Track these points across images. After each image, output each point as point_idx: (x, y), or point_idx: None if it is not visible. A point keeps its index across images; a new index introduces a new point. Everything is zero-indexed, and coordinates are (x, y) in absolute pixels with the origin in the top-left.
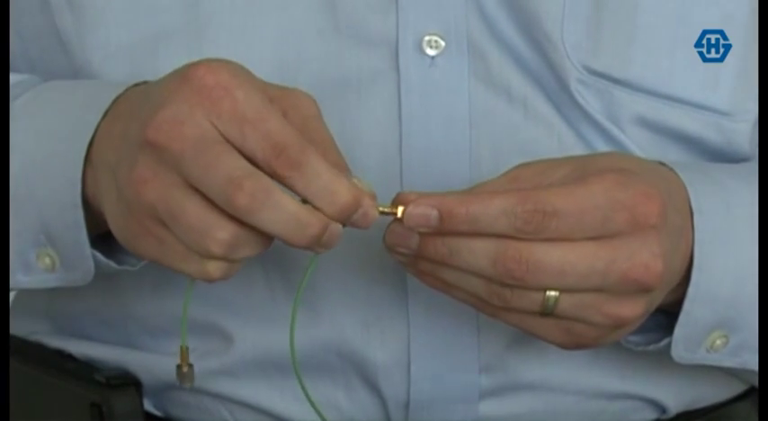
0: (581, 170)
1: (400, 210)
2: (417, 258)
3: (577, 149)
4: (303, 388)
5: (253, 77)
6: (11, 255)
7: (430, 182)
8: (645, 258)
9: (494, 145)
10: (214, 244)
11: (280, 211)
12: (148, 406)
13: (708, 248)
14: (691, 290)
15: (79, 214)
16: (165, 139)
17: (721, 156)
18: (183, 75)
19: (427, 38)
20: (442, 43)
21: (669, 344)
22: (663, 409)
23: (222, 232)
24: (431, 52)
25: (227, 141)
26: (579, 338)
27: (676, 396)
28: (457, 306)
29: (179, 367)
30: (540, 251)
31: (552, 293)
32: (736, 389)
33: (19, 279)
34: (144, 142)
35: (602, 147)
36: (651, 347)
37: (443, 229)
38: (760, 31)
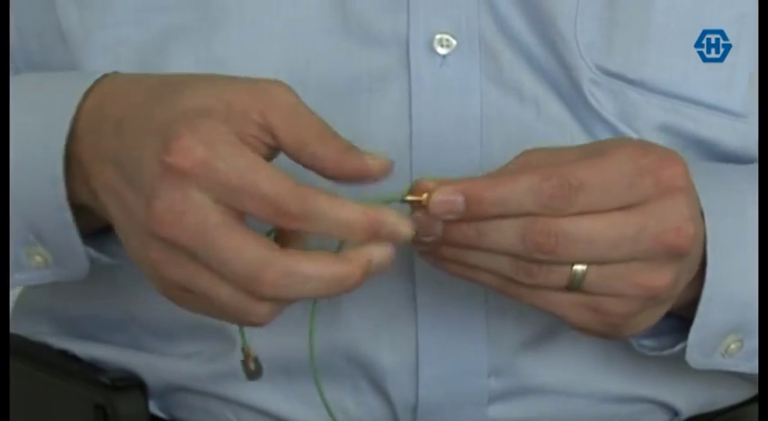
0: (596, 146)
1: (425, 196)
2: (440, 245)
3: None
4: (321, 393)
5: (226, 134)
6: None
7: None
8: (676, 221)
9: (505, 145)
10: (254, 319)
11: (310, 282)
12: (153, 408)
13: (721, 249)
14: (706, 290)
15: (66, 215)
16: (170, 233)
17: (735, 157)
18: (161, 164)
19: (438, 36)
20: (454, 42)
21: (683, 350)
22: (675, 412)
23: (260, 308)
24: (442, 51)
25: (231, 210)
26: (607, 317)
27: (688, 399)
28: (466, 309)
29: (244, 363)
30: (568, 224)
31: (580, 267)
32: (748, 392)
33: (15, 277)
34: (150, 234)
35: None
36: (666, 352)
37: (470, 215)
38: (760, 30)
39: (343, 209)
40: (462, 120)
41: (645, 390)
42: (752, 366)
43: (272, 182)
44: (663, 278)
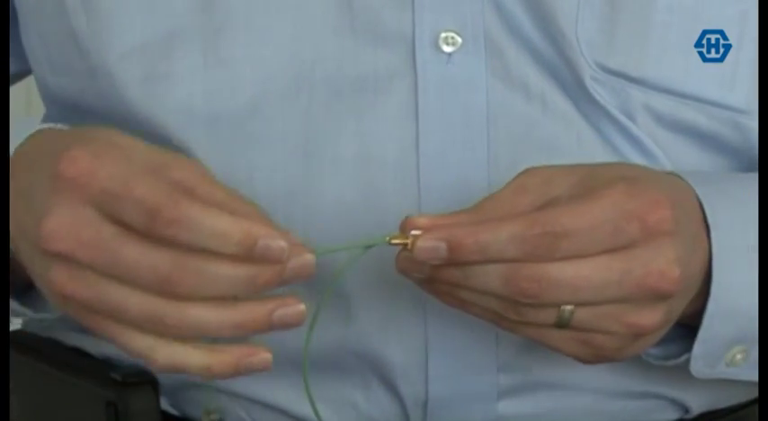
0: (588, 180)
1: (410, 239)
2: (432, 280)
3: (596, 146)
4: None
5: (118, 150)
6: None
7: (447, 179)
8: (660, 265)
9: (512, 141)
10: (166, 331)
11: (220, 281)
12: (165, 405)
13: (726, 263)
14: (710, 305)
15: None
16: (64, 247)
17: (737, 153)
18: (50, 174)
19: (444, 35)
20: (459, 40)
21: (688, 360)
22: (685, 409)
23: (169, 316)
24: (447, 49)
25: (121, 222)
26: (599, 350)
27: (699, 396)
28: None
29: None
30: (552, 269)
31: (567, 307)
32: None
33: None
34: (45, 252)
35: (621, 143)
36: (670, 362)
37: (454, 260)
38: (760, 30)
39: (218, 219)
40: (469, 118)
41: (655, 387)
42: (756, 375)
43: (148, 187)
44: (651, 317)
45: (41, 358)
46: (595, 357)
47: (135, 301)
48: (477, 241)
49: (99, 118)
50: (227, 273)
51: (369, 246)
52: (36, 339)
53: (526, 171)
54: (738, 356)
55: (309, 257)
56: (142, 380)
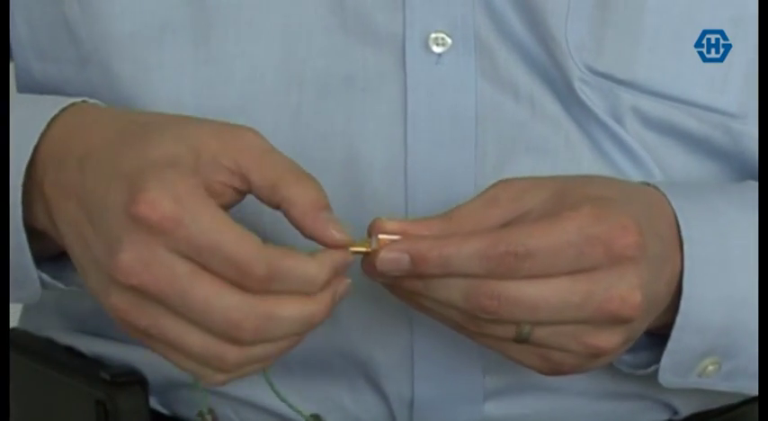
0: (560, 196)
1: (373, 244)
2: (395, 285)
3: (584, 148)
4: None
5: (194, 187)
6: None
7: (434, 179)
8: (622, 290)
9: (500, 142)
10: (223, 367)
11: (286, 325)
12: (155, 403)
13: (699, 277)
14: (679, 319)
15: (21, 238)
16: (137, 282)
17: (727, 157)
18: (128, 214)
19: (434, 35)
20: (449, 41)
21: (657, 371)
22: (674, 410)
23: (232, 354)
24: (437, 50)
25: (198, 265)
26: (557, 365)
27: (687, 398)
28: None
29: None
30: (512, 287)
31: (527, 324)
32: None
33: None
34: (114, 282)
35: (608, 146)
36: (639, 372)
37: (416, 273)
38: (760, 31)
39: (306, 267)
40: (457, 119)
41: (641, 389)
42: (730, 386)
43: (237, 244)
44: (610, 340)
45: (34, 357)
46: (554, 371)
47: (196, 338)
48: (440, 255)
49: None
50: (294, 314)
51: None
52: (30, 338)
53: (500, 182)
54: (710, 368)
55: (349, 283)
56: (131, 379)
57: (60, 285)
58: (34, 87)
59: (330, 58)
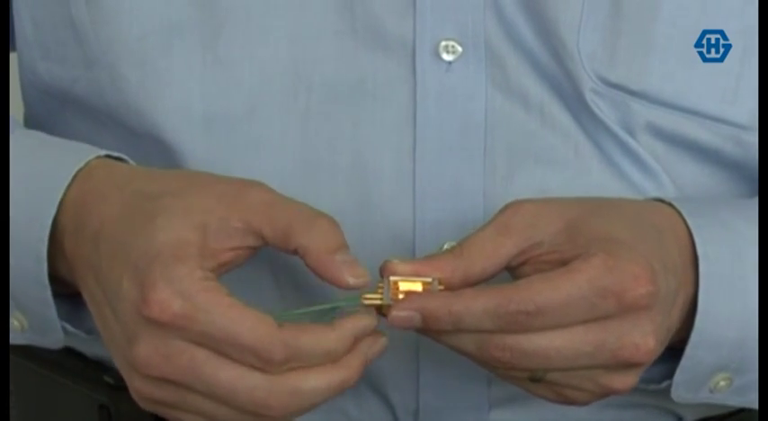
0: (570, 233)
1: (384, 301)
2: None
3: (594, 159)
4: None
5: (201, 280)
6: None
7: (442, 187)
8: (635, 338)
9: (509, 152)
10: None
11: (313, 396)
12: None
13: (714, 294)
14: (694, 336)
15: (46, 294)
16: (159, 373)
17: (738, 168)
18: (139, 313)
19: (444, 43)
20: (459, 49)
21: (670, 386)
22: (679, 418)
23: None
24: (447, 58)
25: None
26: (571, 400)
27: (693, 406)
28: None
29: None
30: (524, 340)
31: (540, 370)
32: None
33: None
34: (135, 370)
35: (619, 158)
36: (652, 387)
37: (428, 329)
38: (760, 31)
39: (325, 340)
40: (466, 127)
41: (647, 398)
42: (741, 401)
43: (252, 332)
44: (624, 381)
45: (36, 360)
46: (567, 403)
47: (225, 412)
48: (450, 313)
49: (87, 110)
50: (320, 385)
51: (335, 308)
52: None
53: (509, 207)
54: (722, 383)
55: (384, 341)
56: None
57: (83, 334)
58: (40, 86)
59: (339, 64)
